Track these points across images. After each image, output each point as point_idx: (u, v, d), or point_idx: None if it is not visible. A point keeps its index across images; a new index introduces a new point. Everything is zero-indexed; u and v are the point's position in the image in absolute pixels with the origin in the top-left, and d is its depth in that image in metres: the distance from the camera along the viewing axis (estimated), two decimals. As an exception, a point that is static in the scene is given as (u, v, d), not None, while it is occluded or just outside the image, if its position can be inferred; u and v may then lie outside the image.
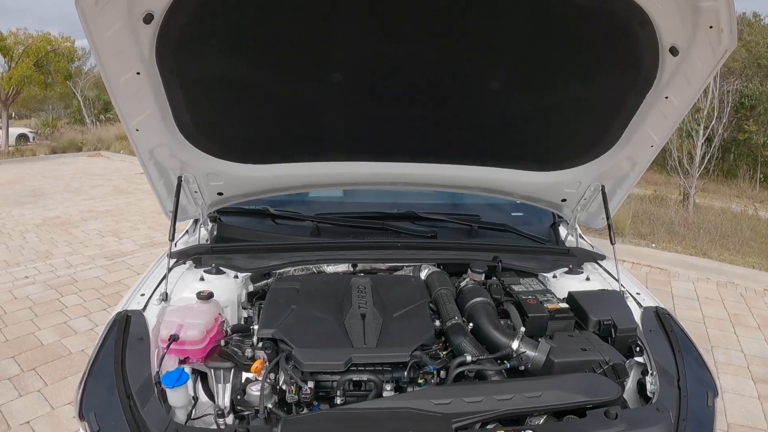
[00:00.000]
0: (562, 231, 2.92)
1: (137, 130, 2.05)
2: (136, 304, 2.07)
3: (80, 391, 1.61)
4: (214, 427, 1.63)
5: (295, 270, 2.36)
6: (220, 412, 1.63)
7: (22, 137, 23.43)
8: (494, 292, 2.14)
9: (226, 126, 2.19)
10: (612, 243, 2.36)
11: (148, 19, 1.61)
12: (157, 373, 1.71)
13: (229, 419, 1.68)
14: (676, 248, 7.38)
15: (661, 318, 1.97)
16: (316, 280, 2.21)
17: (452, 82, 1.93)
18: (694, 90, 1.86)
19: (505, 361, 1.74)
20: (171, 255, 2.38)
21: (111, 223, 8.28)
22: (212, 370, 1.82)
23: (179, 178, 2.31)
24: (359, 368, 1.64)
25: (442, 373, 1.72)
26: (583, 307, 1.97)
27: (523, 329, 1.86)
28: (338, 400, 1.60)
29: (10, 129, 22.08)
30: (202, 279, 2.23)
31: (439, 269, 2.31)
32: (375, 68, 1.90)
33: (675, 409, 1.54)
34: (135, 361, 1.71)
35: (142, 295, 2.15)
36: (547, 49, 1.79)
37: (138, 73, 1.80)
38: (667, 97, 1.89)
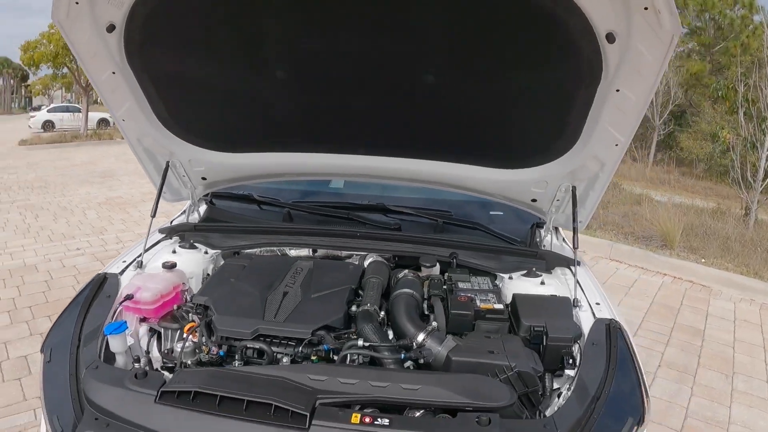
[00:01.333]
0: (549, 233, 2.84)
1: (123, 120, 2.36)
2: (115, 268, 2.34)
3: (48, 331, 1.90)
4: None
5: (260, 251, 2.52)
6: (136, 358, 1.83)
7: (102, 122, 25.25)
8: (433, 286, 2.13)
9: (197, 117, 2.42)
10: (574, 247, 2.31)
11: (111, 28, 1.89)
12: None
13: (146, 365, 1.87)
14: (726, 266, 6.98)
15: (609, 332, 1.86)
16: (265, 260, 2.34)
17: (389, 75, 1.99)
18: (648, 82, 1.76)
19: (403, 352, 1.72)
20: (161, 230, 2.71)
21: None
22: (163, 329, 2.06)
23: (167, 163, 2.58)
24: (266, 339, 1.77)
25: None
26: (519, 311, 1.92)
27: (434, 324, 1.88)
28: (236, 364, 1.74)
29: (93, 114, 23.78)
30: (174, 252, 2.46)
31: (381, 259, 2.36)
32: (313, 63, 1.99)
33: (567, 430, 1.45)
34: (96, 313, 1.98)
35: (124, 261, 2.40)
36: (479, 38, 1.79)
37: (113, 73, 2.10)
38: (618, 90, 1.82)
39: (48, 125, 25.88)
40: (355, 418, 1.35)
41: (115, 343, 1.83)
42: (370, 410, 1.45)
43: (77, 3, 1.80)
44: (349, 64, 1.97)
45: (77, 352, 1.77)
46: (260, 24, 1.87)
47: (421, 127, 2.23)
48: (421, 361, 1.70)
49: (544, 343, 1.81)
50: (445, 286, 2.16)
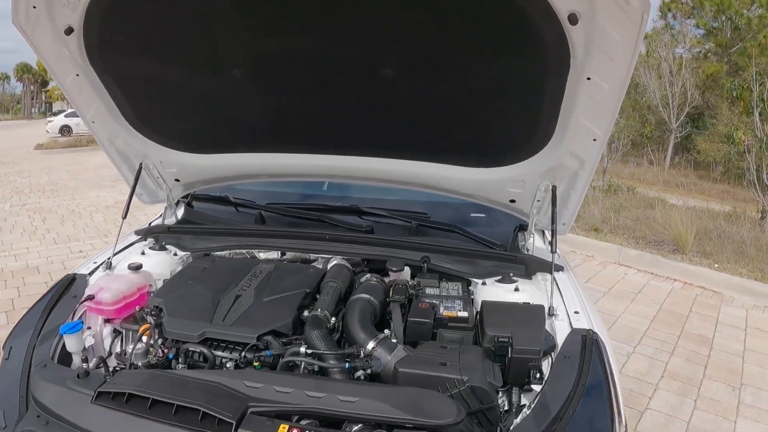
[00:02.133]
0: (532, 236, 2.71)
1: (93, 122, 2.36)
2: (85, 269, 2.34)
3: (12, 329, 1.96)
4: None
5: (229, 253, 2.48)
6: (84, 357, 1.82)
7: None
8: (396, 292, 2.02)
9: (165, 118, 2.40)
10: (552, 251, 2.20)
11: (69, 31, 1.89)
12: None
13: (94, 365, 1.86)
14: (741, 271, 6.77)
15: (585, 343, 1.73)
16: (226, 263, 2.29)
17: (345, 72, 1.92)
18: (621, 68, 1.63)
19: (348, 361, 1.66)
20: (136, 232, 2.72)
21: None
22: (124, 330, 2.04)
23: (140, 165, 2.57)
24: (213, 342, 1.74)
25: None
26: (484, 319, 1.82)
27: (387, 332, 1.79)
28: (178, 366, 1.72)
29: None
30: (143, 253, 2.44)
31: (343, 263, 2.28)
32: (268, 62, 1.95)
33: None
34: (59, 313, 2.00)
35: (95, 262, 2.38)
36: (434, 29, 1.71)
37: (77, 75, 2.10)
38: (589, 78, 1.69)
39: (65, 130, 26.24)
40: (282, 429, 1.29)
41: (71, 343, 1.83)
42: (306, 422, 1.39)
43: (34, 7, 1.80)
44: (303, 62, 1.91)
45: (33, 350, 1.78)
46: (210, 25, 1.84)
47: (386, 124, 2.15)
48: (368, 371, 1.62)
49: (509, 355, 1.69)
50: (412, 292, 2.06)
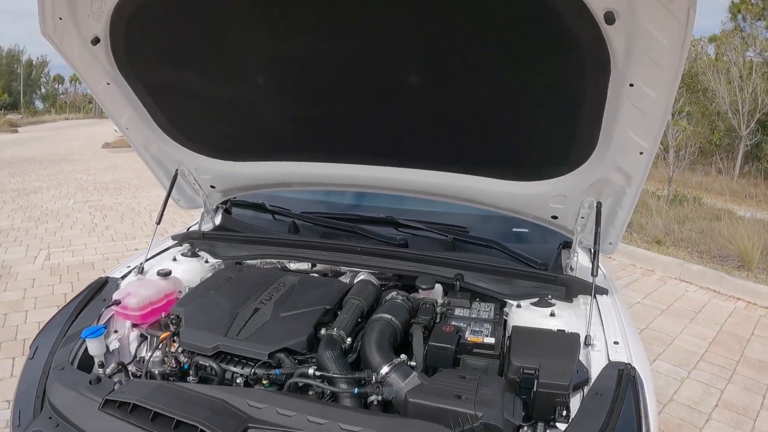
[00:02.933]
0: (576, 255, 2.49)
1: (127, 129, 2.40)
2: (118, 273, 2.36)
3: (40, 328, 2.02)
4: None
5: (260, 262, 2.46)
6: (100, 363, 1.85)
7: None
8: (422, 312, 1.94)
9: (196, 126, 2.40)
10: (593, 274, 2.03)
11: (95, 41, 1.92)
12: None
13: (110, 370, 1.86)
14: (816, 292, 6.32)
15: (622, 380, 1.57)
16: (252, 273, 2.26)
17: (368, 79, 1.86)
18: (668, 74, 1.46)
19: (358, 387, 1.58)
20: (173, 237, 2.73)
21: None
22: (149, 336, 2.05)
23: (176, 171, 2.60)
24: (226, 356, 1.72)
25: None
26: (512, 347, 1.68)
27: (403, 356, 1.69)
28: (189, 379, 1.70)
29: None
30: (174, 259, 2.45)
31: (370, 278, 2.19)
32: (290, 69, 1.91)
33: None
34: (87, 315, 2.04)
35: (128, 266, 2.41)
36: (458, 32, 1.60)
37: (108, 83, 2.14)
38: (632, 85, 1.53)
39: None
40: None
41: (93, 347, 1.86)
42: None
43: (61, 18, 1.84)
44: (324, 68, 1.86)
45: (55, 351, 1.82)
46: (229, 31, 1.81)
47: (414, 134, 2.07)
48: (379, 398, 1.54)
49: (535, 389, 1.55)
50: (441, 312, 1.97)
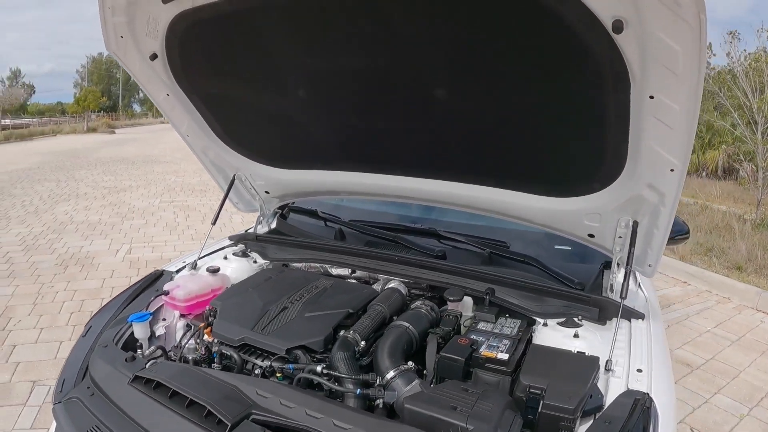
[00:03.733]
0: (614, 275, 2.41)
1: (187, 136, 2.61)
2: (174, 267, 2.58)
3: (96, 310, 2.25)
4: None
5: (304, 266, 2.61)
6: (139, 344, 2.03)
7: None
8: (445, 323, 1.98)
9: (247, 134, 2.58)
10: (621, 297, 1.98)
11: (153, 57, 2.12)
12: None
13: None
14: None
15: (635, 409, 1.51)
16: (290, 275, 2.40)
17: (396, 93, 1.93)
18: (688, 84, 1.41)
19: (361, 388, 1.65)
20: (230, 238, 2.95)
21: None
22: (193, 326, 2.25)
23: (233, 176, 2.80)
24: (251, 348, 1.88)
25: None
26: (524, 365, 1.68)
27: (410, 363, 1.73)
28: (214, 366, 1.87)
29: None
30: (225, 258, 2.66)
31: (398, 287, 2.26)
32: (325, 83, 2.02)
33: None
34: (139, 302, 2.25)
35: (184, 261, 2.62)
36: (476, 48, 1.64)
37: (168, 95, 2.34)
38: (652, 97, 1.49)
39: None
40: None
41: (138, 330, 2.05)
42: None
43: (122, 37, 2.05)
44: (356, 82, 1.96)
45: (104, 331, 2.03)
46: (270, 48, 1.94)
47: (447, 147, 2.13)
48: (380, 401, 1.60)
49: (540, 410, 1.52)
50: (466, 325, 2.01)
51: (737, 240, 8.15)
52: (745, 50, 12.32)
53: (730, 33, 11.95)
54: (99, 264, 6.62)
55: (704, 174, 16.26)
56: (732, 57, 12.00)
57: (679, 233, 3.01)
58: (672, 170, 1.71)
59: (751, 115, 10.61)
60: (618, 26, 1.35)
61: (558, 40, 1.50)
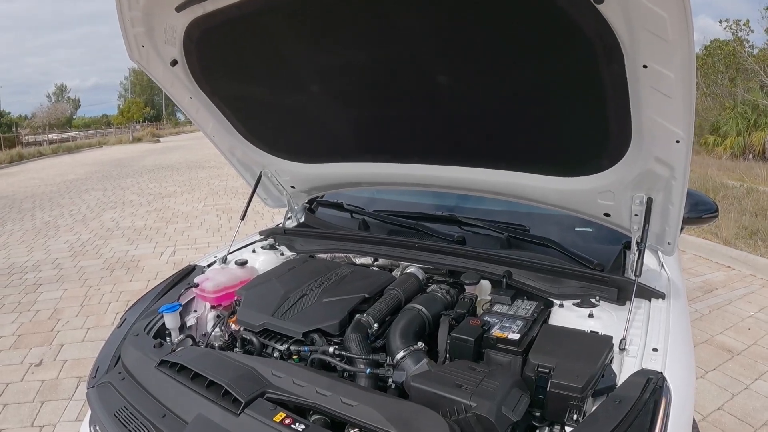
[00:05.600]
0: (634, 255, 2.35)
1: (213, 136, 2.72)
2: (205, 261, 2.69)
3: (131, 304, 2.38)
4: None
5: (328, 256, 2.70)
6: (167, 332, 2.15)
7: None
8: (460, 306, 2.01)
9: (270, 132, 2.67)
10: (635, 275, 1.96)
11: (174, 63, 2.21)
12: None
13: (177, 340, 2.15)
14: None
15: (646, 388, 1.48)
16: (313, 264, 2.50)
17: (402, 82, 1.97)
18: (680, 50, 1.38)
19: (371, 368, 1.71)
20: (260, 233, 3.09)
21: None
22: (223, 316, 2.35)
23: (260, 173, 2.91)
24: (271, 333, 1.98)
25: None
26: (535, 344, 1.67)
27: (420, 344, 1.77)
28: (235, 350, 1.98)
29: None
30: (254, 251, 2.78)
31: (414, 272, 2.31)
32: (336, 78, 2.07)
33: None
34: (171, 295, 2.37)
35: (215, 256, 2.74)
36: (470, 31, 1.65)
37: (191, 98, 2.45)
38: (646, 66, 1.47)
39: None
40: (278, 417, 1.42)
41: (169, 320, 2.17)
42: (315, 417, 1.50)
43: (143, 46, 2.16)
44: (364, 75, 2.01)
45: (137, 321, 2.17)
46: (280, 48, 2.01)
47: (456, 132, 2.16)
48: (390, 380, 1.66)
49: (548, 388, 1.52)
50: (483, 308, 2.04)
51: (788, 221, 7.86)
52: (786, 24, 11.82)
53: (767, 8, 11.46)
54: (144, 267, 6.89)
55: (751, 156, 15.68)
56: (773, 33, 11.52)
57: (707, 212, 2.95)
58: (678, 141, 1.68)
59: (797, 93, 10.20)
60: None
61: (545, 16, 1.50)
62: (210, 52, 2.14)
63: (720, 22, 17.95)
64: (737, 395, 3.76)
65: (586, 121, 1.87)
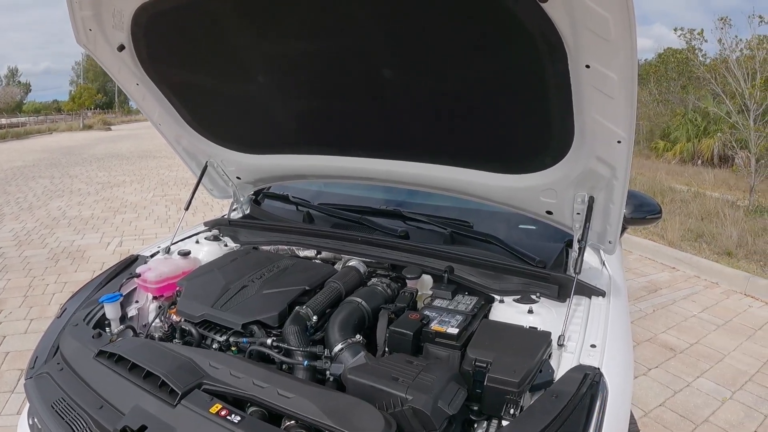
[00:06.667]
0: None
1: (159, 124, 2.65)
2: (148, 251, 2.62)
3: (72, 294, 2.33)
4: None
5: (271, 248, 2.66)
6: (107, 323, 2.11)
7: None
8: (400, 299, 2.02)
9: (217, 121, 2.62)
10: (575, 272, 1.99)
11: (121, 48, 2.16)
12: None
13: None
14: None
15: (583, 384, 1.50)
16: (255, 256, 2.46)
17: (347, 74, 1.96)
18: (622, 51, 1.40)
19: (308, 360, 1.70)
20: (205, 223, 3.01)
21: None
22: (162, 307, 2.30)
23: (206, 163, 2.84)
24: (211, 324, 1.95)
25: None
26: (473, 339, 1.69)
27: (358, 336, 1.78)
28: (174, 340, 1.96)
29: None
30: (197, 242, 2.73)
31: (356, 265, 2.31)
32: (282, 68, 2.06)
33: None
34: (112, 285, 2.33)
35: (158, 246, 2.66)
36: (415, 24, 1.65)
37: (138, 84, 2.38)
38: (588, 66, 1.48)
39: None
40: (215, 408, 1.41)
41: (109, 310, 2.12)
42: (253, 409, 1.49)
43: (90, 29, 2.09)
44: (310, 66, 1.99)
45: (77, 311, 2.11)
46: (227, 36, 1.98)
47: (402, 127, 2.15)
48: (327, 373, 1.65)
49: (485, 383, 1.53)
50: (423, 303, 2.04)
51: (728, 226, 8.17)
52: (737, 36, 12.31)
53: (721, 19, 11.95)
54: (90, 257, 6.67)
55: (699, 162, 16.26)
56: (723, 43, 11.99)
57: (651, 213, 3.03)
58: (619, 142, 1.71)
59: (744, 102, 10.62)
60: None
61: (490, 13, 1.51)
62: (157, 38, 2.08)
63: (675, 30, 18.50)
64: (679, 392, 3.88)
65: (529, 118, 1.89)
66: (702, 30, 17.91)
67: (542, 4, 1.38)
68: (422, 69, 1.84)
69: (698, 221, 8.56)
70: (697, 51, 19.19)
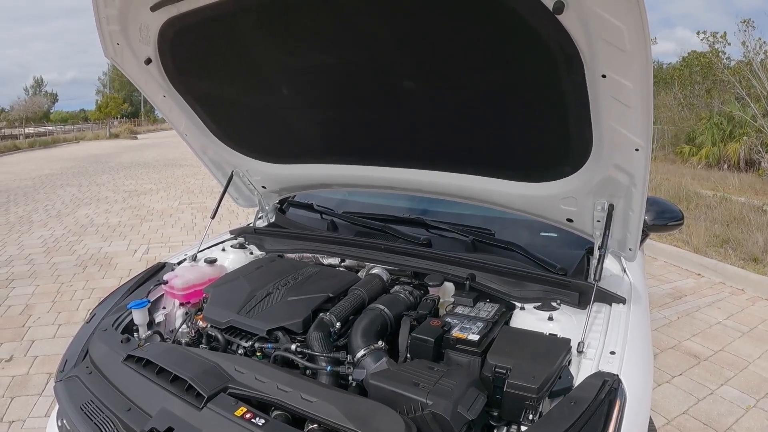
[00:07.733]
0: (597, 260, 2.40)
1: (186, 135, 2.73)
2: (175, 259, 2.71)
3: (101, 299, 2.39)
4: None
5: (296, 256, 2.72)
6: (135, 328, 2.16)
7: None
8: (422, 307, 2.05)
9: (241, 132, 2.68)
10: (595, 280, 2.00)
11: (148, 61, 2.23)
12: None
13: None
14: None
15: (601, 390, 1.51)
16: (280, 263, 2.52)
17: (369, 86, 2.00)
18: (638, 60, 1.42)
19: (331, 365, 1.74)
20: (231, 232, 3.08)
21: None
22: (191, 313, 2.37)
23: (231, 172, 2.92)
24: (237, 330, 2.00)
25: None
26: (493, 346, 1.70)
27: (381, 343, 1.81)
28: (201, 345, 2.02)
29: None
30: (223, 250, 2.79)
31: (379, 273, 2.35)
32: (305, 80, 2.10)
33: None
34: (140, 292, 2.39)
35: (185, 254, 2.73)
36: (435, 37, 1.68)
37: (164, 96, 2.45)
38: (605, 76, 1.51)
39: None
40: (239, 411, 1.45)
41: (137, 316, 2.19)
42: (277, 413, 1.53)
43: (118, 44, 2.17)
44: (333, 78, 2.03)
45: (107, 317, 2.18)
46: (251, 49, 2.03)
47: (423, 136, 2.19)
48: (350, 378, 1.68)
49: (504, 389, 1.55)
50: (446, 309, 2.06)
51: (754, 231, 8.03)
52: (760, 38, 12.12)
53: (744, 21, 11.77)
54: (117, 264, 6.81)
55: (726, 167, 16.01)
56: (747, 46, 11.81)
57: (672, 219, 3.02)
58: (637, 150, 1.73)
59: (769, 105, 10.46)
60: (558, 7, 1.38)
61: (507, 25, 1.54)
62: (183, 51, 2.15)
63: (698, 33, 18.31)
64: (702, 400, 3.83)
65: (548, 128, 1.92)
66: (725, 33, 17.67)
67: (558, 16, 1.42)
68: (443, 80, 1.87)
69: (724, 227, 8.42)
70: (720, 54, 18.92)
